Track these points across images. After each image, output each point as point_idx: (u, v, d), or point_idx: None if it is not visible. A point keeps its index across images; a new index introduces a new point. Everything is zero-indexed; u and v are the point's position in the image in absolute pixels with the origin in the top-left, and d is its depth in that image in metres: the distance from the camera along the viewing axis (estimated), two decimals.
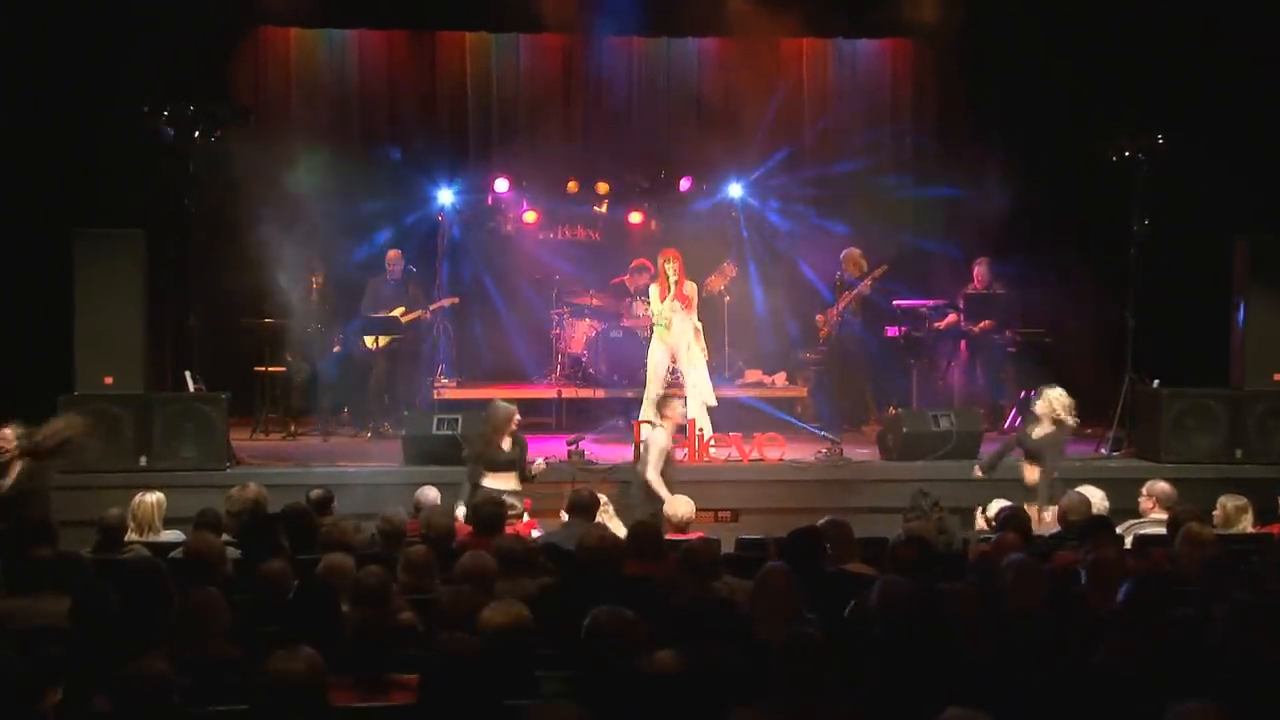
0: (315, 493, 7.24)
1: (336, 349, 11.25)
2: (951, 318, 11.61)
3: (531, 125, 12.89)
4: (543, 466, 8.52)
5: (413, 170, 12.49)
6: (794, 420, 11.08)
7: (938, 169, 12.55)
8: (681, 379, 10.16)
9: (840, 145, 12.95)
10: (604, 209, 13.24)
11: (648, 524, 6.08)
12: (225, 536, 6.42)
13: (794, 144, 13.02)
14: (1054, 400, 8.08)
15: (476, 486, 8.02)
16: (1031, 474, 7.94)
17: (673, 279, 9.90)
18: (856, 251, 11.43)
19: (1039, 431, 8.07)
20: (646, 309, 10.88)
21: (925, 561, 5.38)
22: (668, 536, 6.52)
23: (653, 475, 8.19)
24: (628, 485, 8.56)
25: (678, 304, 9.96)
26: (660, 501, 7.90)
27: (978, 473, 8.48)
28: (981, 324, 11.50)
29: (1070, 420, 8.09)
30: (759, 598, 4.76)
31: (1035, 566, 5.13)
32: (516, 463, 8.23)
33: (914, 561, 5.27)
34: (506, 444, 8.22)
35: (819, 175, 12.93)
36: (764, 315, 12.66)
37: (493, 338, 12.75)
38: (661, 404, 8.70)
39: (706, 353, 10.31)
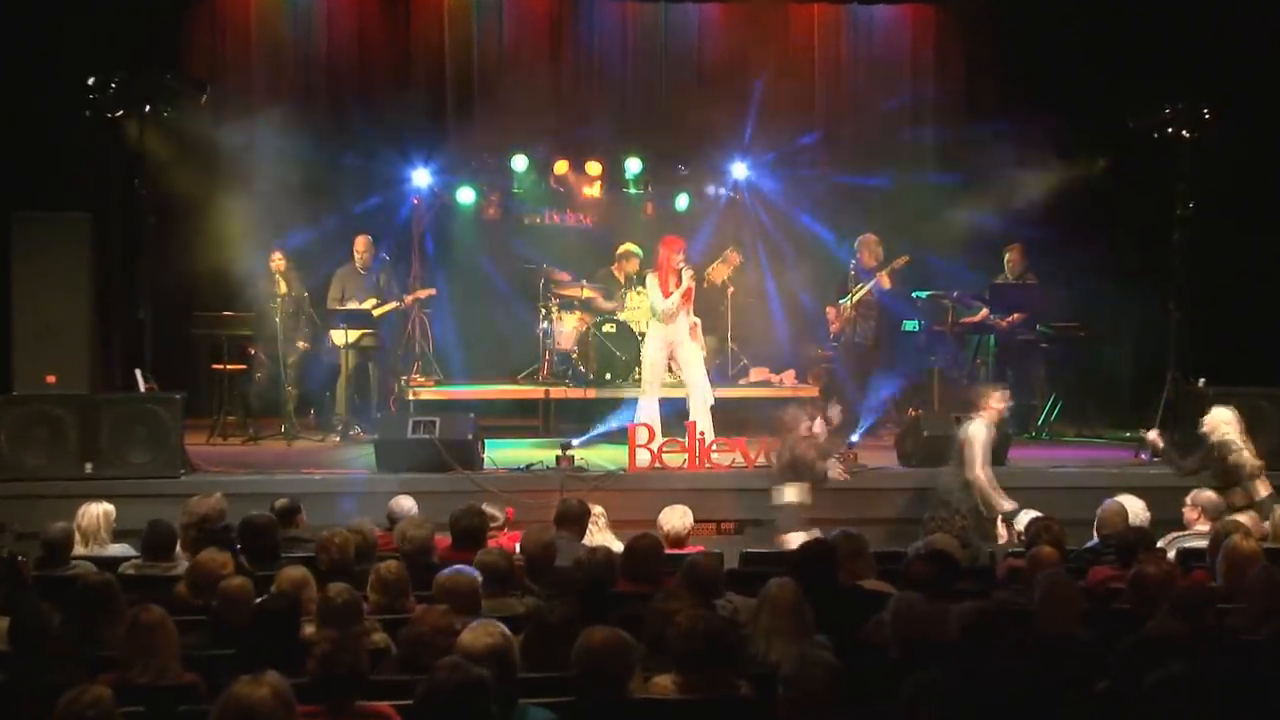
0: (279, 502, 7.24)
1: (302, 345, 11.22)
2: (983, 312, 11.57)
3: (516, 98, 12.83)
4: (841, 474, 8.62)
5: (386, 148, 12.46)
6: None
7: (962, 147, 12.54)
8: (681, 376, 10.16)
9: (855, 121, 12.94)
10: (596, 191, 13.22)
11: (645, 540, 6.08)
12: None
13: (804, 119, 12.99)
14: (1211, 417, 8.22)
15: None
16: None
17: (686, 273, 9.90)
18: (873, 238, 11.40)
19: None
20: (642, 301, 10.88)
21: (947, 577, 5.39)
22: (665, 551, 6.51)
23: (983, 473, 8.22)
24: (934, 494, 8.50)
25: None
26: (993, 505, 7.98)
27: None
28: (1011, 317, 11.49)
29: (1216, 432, 8.11)
30: (766, 617, 4.76)
31: (1071, 583, 5.14)
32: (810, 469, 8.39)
33: (935, 577, 5.27)
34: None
35: (832, 154, 12.92)
36: (771, 308, 12.65)
37: (473, 333, 12.73)
38: (979, 395, 8.72)
39: (705, 348, 10.31)
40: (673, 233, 10.59)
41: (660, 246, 10.14)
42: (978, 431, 8.40)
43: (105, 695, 3.80)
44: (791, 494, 8.26)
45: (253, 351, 11.19)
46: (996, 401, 8.61)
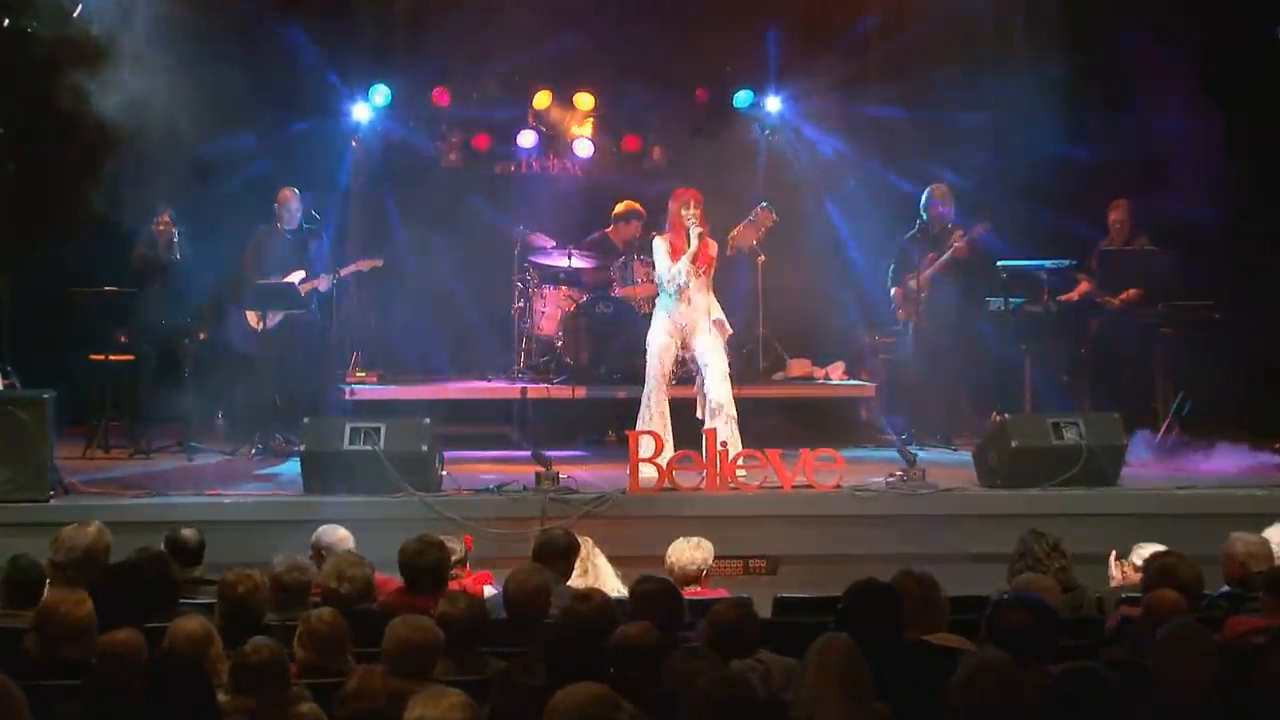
0: (182, 532, 7.24)
1: (202, 337, 11.23)
2: (1083, 286, 11.57)
3: (484, 13, 12.82)
4: None
5: (316, 74, 12.44)
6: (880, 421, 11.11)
7: (1059, 74, 12.50)
8: (697, 372, 10.16)
9: (921, 42, 12.89)
10: (587, 130, 13.22)
11: (657, 581, 6.07)
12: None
13: (855, 42, 13.00)
14: None
15: None
16: None
17: (694, 231, 9.88)
18: (943, 188, 11.40)
19: None
20: (649, 273, 10.88)
21: (1041, 630, 5.38)
22: (682, 594, 6.52)
23: None
24: None
25: (695, 266, 9.96)
26: None
27: None
28: (1123, 294, 11.49)
29: None
30: (810, 681, 4.76)
31: (1201, 637, 5.13)
32: None
33: (1025, 630, 5.27)
34: None
35: (891, 85, 12.93)
36: (813, 282, 12.65)
37: (429, 315, 12.76)
38: None
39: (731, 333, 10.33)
40: (686, 184, 10.58)
41: (673, 200, 10.13)
42: None
43: None
44: None
45: (141, 340, 11.15)
46: None
